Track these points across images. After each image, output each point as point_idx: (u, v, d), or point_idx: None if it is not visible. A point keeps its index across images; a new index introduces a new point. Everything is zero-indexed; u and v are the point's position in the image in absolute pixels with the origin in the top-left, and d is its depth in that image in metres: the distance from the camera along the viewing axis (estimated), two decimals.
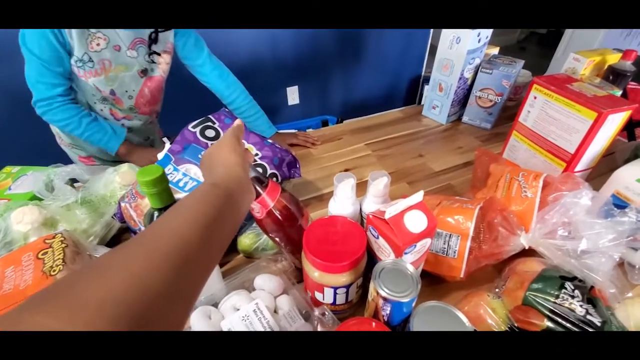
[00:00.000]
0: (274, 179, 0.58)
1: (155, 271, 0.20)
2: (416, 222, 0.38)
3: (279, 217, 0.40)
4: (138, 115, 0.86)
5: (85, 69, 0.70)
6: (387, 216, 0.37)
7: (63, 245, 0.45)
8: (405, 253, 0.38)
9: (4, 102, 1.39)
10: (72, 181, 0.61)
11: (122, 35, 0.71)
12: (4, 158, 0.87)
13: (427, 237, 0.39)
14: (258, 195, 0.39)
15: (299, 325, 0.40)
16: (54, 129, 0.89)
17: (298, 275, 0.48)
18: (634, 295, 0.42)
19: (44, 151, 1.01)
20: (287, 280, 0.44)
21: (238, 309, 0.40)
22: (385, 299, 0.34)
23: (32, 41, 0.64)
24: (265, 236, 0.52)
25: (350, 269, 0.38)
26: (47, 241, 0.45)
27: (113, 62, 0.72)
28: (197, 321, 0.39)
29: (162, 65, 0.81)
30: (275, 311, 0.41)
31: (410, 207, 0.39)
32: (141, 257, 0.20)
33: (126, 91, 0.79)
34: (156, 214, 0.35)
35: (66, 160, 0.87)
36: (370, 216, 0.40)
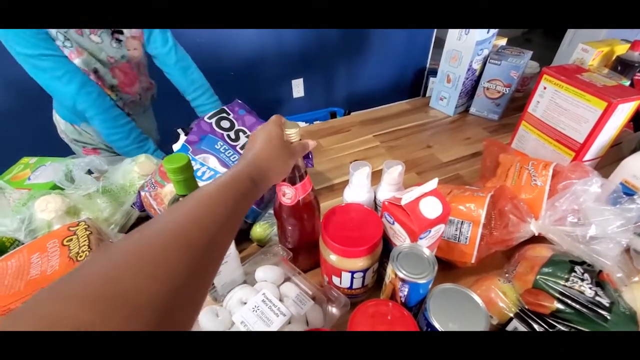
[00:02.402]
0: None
1: (176, 264, 0.20)
2: (431, 208, 0.39)
3: (301, 209, 0.43)
4: (121, 94, 0.83)
5: (66, 47, 0.68)
6: (403, 202, 0.38)
7: (87, 232, 0.46)
8: (421, 238, 0.39)
9: (5, 96, 1.39)
10: (89, 172, 0.62)
11: None
12: (10, 152, 0.88)
13: (441, 222, 0.40)
14: (292, 182, 0.41)
15: (309, 307, 0.41)
16: (57, 121, 0.87)
17: (292, 260, 0.50)
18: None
19: (41, 144, 0.99)
20: (288, 268, 0.45)
21: (245, 303, 0.40)
22: (403, 280, 0.35)
23: (17, 38, 0.61)
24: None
25: (368, 254, 0.40)
26: (71, 228, 0.47)
27: (81, 44, 0.70)
28: (207, 321, 0.39)
29: (132, 52, 0.79)
30: (280, 299, 0.42)
31: (425, 194, 0.40)
32: (164, 247, 0.21)
33: (105, 69, 0.77)
34: (181, 200, 0.37)
35: (66, 152, 0.87)
36: (386, 203, 0.41)
